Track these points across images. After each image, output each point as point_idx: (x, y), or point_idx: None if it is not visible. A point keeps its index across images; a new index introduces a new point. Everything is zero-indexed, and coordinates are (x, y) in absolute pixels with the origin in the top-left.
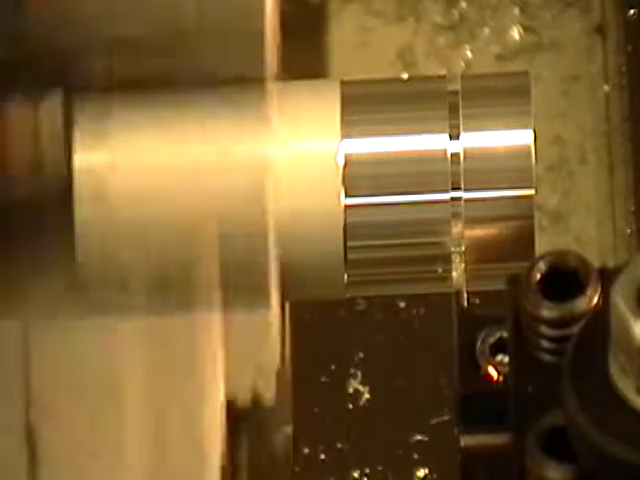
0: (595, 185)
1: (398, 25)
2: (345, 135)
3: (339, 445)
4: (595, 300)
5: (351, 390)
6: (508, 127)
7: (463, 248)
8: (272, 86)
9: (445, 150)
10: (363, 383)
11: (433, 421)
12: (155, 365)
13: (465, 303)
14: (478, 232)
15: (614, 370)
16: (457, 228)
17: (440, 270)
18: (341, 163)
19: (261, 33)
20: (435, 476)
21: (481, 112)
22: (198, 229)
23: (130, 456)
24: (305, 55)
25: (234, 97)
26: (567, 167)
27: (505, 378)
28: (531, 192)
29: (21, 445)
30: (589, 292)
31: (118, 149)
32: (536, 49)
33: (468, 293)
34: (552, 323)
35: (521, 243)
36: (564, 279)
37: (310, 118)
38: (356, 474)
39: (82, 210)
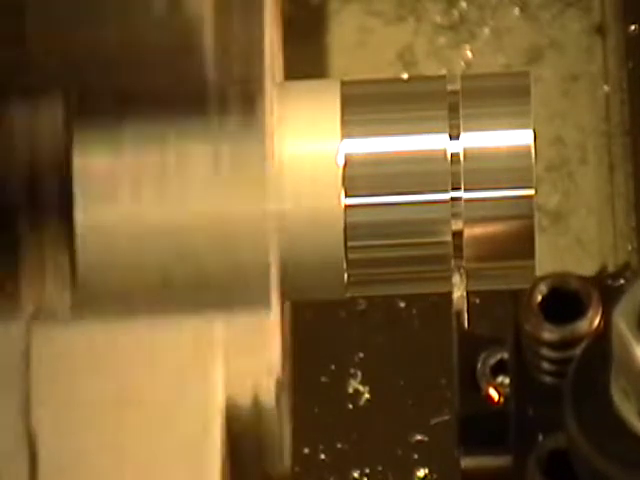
0: (595, 185)
1: (398, 25)
2: (345, 135)
3: (339, 445)
4: (596, 322)
5: (351, 390)
6: (508, 127)
7: (464, 267)
8: (272, 90)
9: (445, 150)
10: (363, 383)
11: (433, 421)
12: (156, 366)
13: (466, 324)
14: (478, 232)
15: (615, 393)
16: (457, 228)
17: (440, 270)
18: (341, 163)
19: (260, 39)
20: (435, 476)
21: (481, 112)
22: (199, 230)
23: (129, 455)
24: (305, 55)
25: (235, 100)
26: (567, 167)
27: (506, 400)
28: (531, 192)
29: (21, 446)
30: (590, 314)
31: (118, 151)
32: (536, 49)
33: (468, 295)
34: (553, 345)
35: (521, 243)
36: (565, 301)
37: (310, 118)
38: (356, 474)
39: (82, 211)
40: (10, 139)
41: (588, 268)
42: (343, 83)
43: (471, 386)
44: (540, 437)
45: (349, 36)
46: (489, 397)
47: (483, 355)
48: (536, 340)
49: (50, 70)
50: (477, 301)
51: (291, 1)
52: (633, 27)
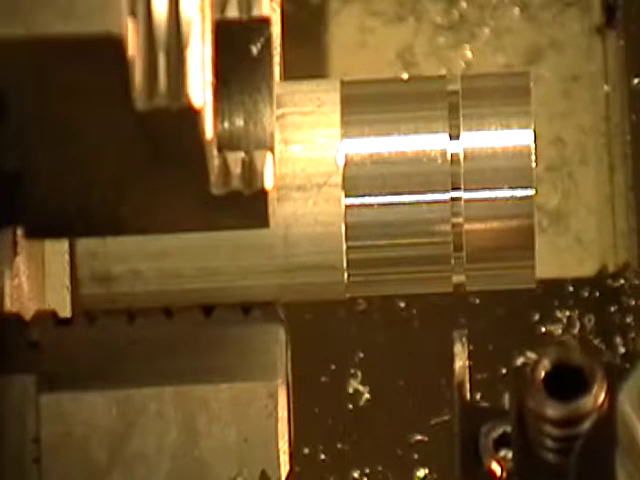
0: (595, 185)
1: (398, 25)
2: (345, 135)
3: (339, 445)
4: (601, 399)
5: (351, 390)
6: (508, 127)
7: (466, 336)
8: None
9: (445, 150)
10: (363, 383)
11: (433, 421)
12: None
13: (468, 396)
14: (478, 232)
15: (621, 476)
16: (457, 228)
17: (440, 270)
18: (341, 163)
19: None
20: (435, 476)
21: (481, 112)
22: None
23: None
24: (305, 55)
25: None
26: (567, 167)
27: (509, 475)
28: (531, 192)
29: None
30: (595, 391)
31: None
32: (536, 49)
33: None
34: (557, 422)
35: (521, 243)
36: (569, 375)
37: (310, 118)
38: (356, 474)
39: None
40: None
41: (588, 268)
42: (343, 83)
43: (473, 460)
44: None
45: (349, 36)
46: (492, 472)
47: (485, 428)
48: (539, 417)
49: None
50: (477, 301)
51: (291, 1)
52: (637, 80)
